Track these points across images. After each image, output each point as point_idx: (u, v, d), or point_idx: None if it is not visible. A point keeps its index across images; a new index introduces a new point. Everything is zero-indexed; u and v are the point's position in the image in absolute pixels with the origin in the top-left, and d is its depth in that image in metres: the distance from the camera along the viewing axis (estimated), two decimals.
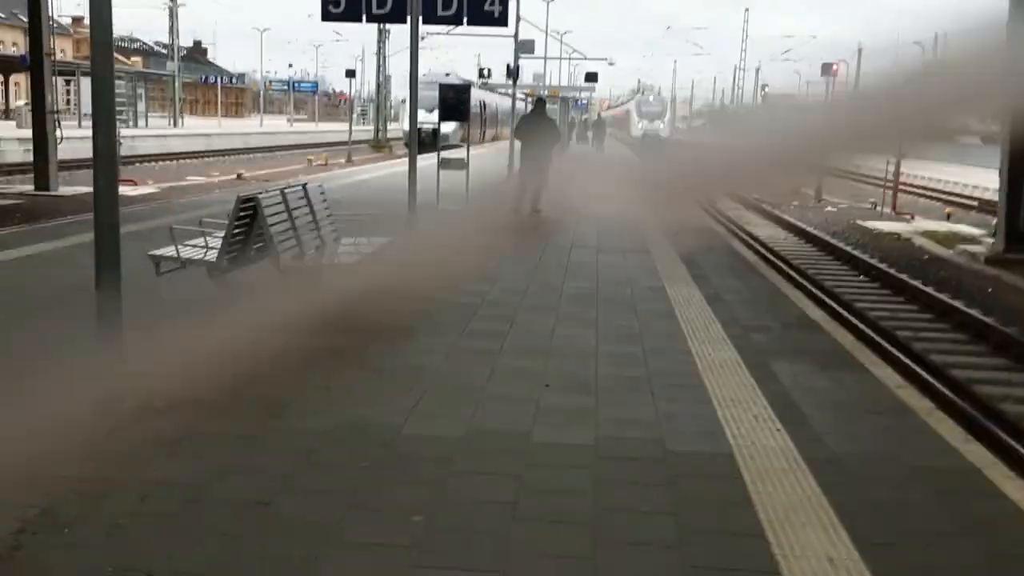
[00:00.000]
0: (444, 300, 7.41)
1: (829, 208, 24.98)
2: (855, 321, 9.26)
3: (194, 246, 6.30)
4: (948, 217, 23.05)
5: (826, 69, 28.92)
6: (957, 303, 10.88)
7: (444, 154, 15.51)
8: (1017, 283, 13.42)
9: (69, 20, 79.70)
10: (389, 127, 55.30)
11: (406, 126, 44.88)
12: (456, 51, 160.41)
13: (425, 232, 11.55)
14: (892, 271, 13.30)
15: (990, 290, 12.86)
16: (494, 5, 11.07)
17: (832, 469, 4.05)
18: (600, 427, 4.55)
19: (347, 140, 38.39)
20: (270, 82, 77.12)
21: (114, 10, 4.15)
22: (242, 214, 5.90)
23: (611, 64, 38.47)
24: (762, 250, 14.72)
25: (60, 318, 5.87)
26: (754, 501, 3.69)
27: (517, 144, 15.83)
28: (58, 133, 19.84)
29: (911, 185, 27.67)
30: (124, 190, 21.66)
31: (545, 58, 35.42)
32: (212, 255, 5.96)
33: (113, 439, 3.54)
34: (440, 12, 11.18)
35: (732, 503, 3.68)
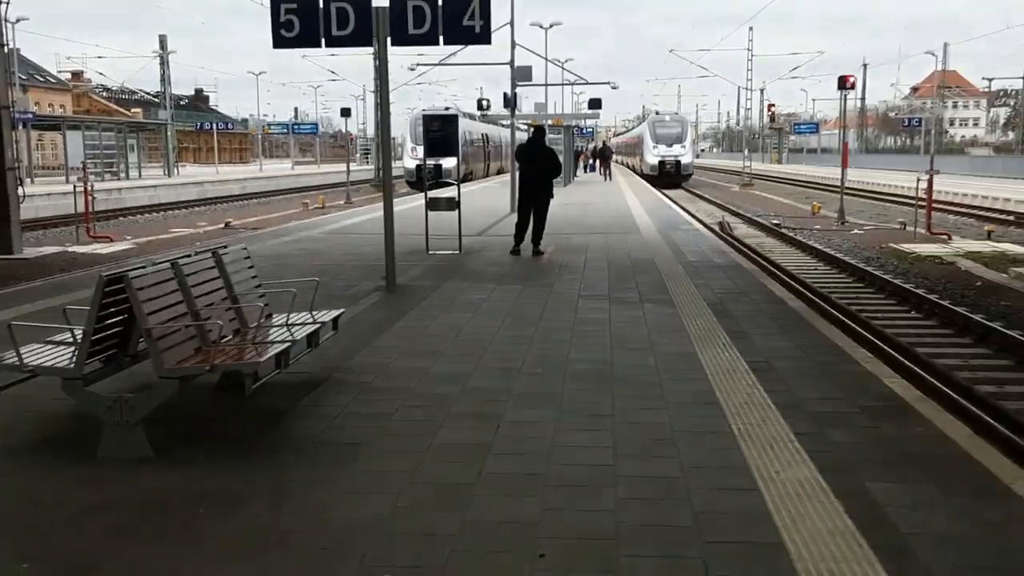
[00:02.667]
0: (408, 392, 5.67)
1: (855, 231, 23.18)
2: (951, 393, 7.42)
3: (59, 343, 4.58)
4: (989, 235, 21.21)
5: (842, 82, 27.21)
6: None
7: (433, 193, 13.82)
8: None
9: (69, 75, 78.99)
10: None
11: (409, 163, 43.90)
12: (457, 85, 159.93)
13: (398, 295, 9.67)
14: (960, 310, 11.47)
15: None
16: (474, 20, 9.42)
17: None
18: None
19: (354, 180, 36.72)
20: (268, 126, 75.86)
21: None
22: (106, 301, 4.18)
23: (614, 88, 36.66)
24: (799, 287, 12.90)
25: None
26: None
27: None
28: (20, 191, 18.29)
29: (938, 202, 25.83)
30: (97, 248, 20.35)
31: (546, 85, 33.93)
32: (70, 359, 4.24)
33: None
34: (412, 31, 9.56)
35: None
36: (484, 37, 9.60)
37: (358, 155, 71.13)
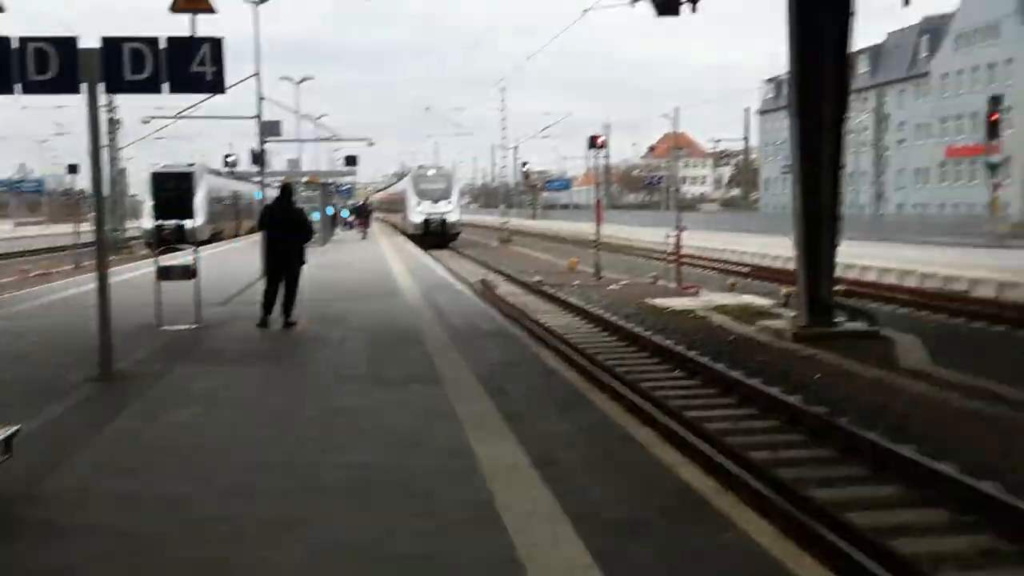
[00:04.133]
0: (107, 531, 4.38)
1: (612, 286, 23.66)
2: (750, 482, 6.96)
3: None
4: (732, 288, 22.31)
5: (592, 142, 28.09)
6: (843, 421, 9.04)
7: (165, 260, 12.22)
8: (840, 363, 12.08)
9: None
10: (128, 225, 49.92)
11: (148, 224, 40.64)
12: (204, 139, 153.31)
13: (115, 386, 7.97)
14: (719, 367, 11.50)
15: (817, 376, 11.39)
16: (204, 67, 8.24)
17: None
18: None
19: (83, 243, 33.03)
20: None
21: None
22: None
23: (371, 144, 36.04)
24: (569, 351, 12.51)
25: None
26: None
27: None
28: None
29: (684, 256, 27.07)
30: None
31: (299, 141, 32.62)
32: None
33: None
34: (129, 76, 8.24)
35: None
36: (216, 86, 8.43)
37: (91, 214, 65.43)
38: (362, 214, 49.48)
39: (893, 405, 9.65)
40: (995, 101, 32.70)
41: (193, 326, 11.72)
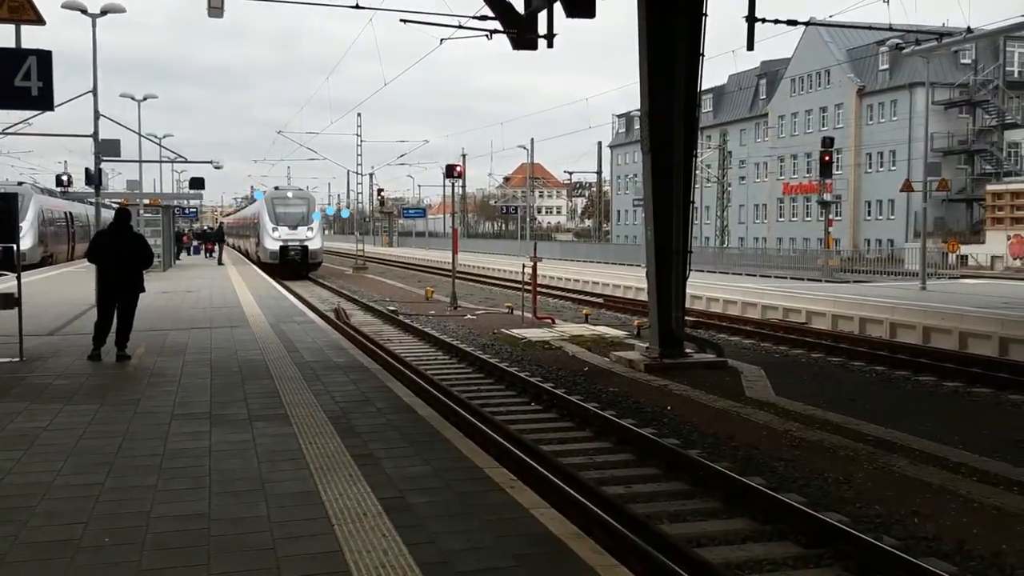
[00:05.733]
0: None
1: (468, 316, 23.55)
2: (600, 514, 6.87)
3: None
4: (587, 318, 22.60)
5: (450, 171, 28.06)
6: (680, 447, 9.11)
7: None
8: (690, 394, 12.34)
9: None
10: None
11: None
12: (35, 157, 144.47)
13: None
14: (575, 399, 11.51)
15: (668, 408, 11.57)
16: (30, 81, 7.61)
17: None
18: None
19: None
20: None
21: None
22: None
23: (218, 167, 34.68)
24: (424, 384, 12.22)
25: None
26: None
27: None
28: None
29: (540, 286, 27.33)
30: None
31: (140, 161, 31.01)
32: None
33: None
34: None
35: None
36: (44, 102, 7.81)
37: None
38: (209, 239, 47.69)
39: (740, 436, 9.88)
40: (827, 142, 34.76)
41: (15, 359, 10.79)
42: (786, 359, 16.72)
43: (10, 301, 10.86)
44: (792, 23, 18.65)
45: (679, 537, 6.43)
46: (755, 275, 36.23)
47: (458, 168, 28.26)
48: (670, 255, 14.98)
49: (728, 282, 30.57)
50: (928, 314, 18.81)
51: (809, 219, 66.29)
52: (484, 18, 16.32)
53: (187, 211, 52.87)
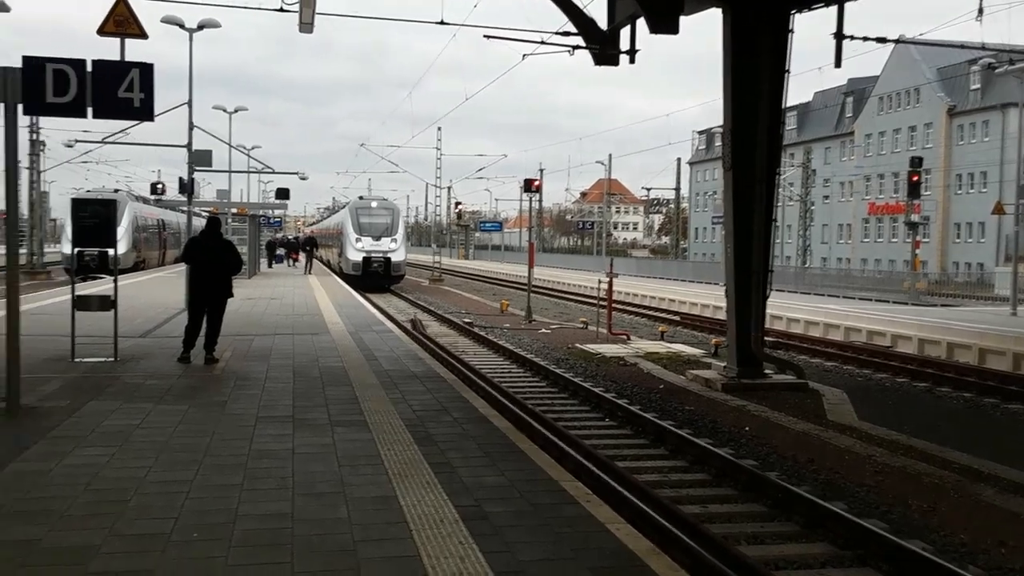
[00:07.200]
0: None
1: (543, 330, 23.59)
2: (676, 532, 6.84)
3: None
4: (662, 336, 22.43)
5: (528, 185, 28.22)
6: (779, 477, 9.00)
7: (83, 289, 11.71)
8: (769, 415, 12.14)
9: None
10: (47, 250, 48.39)
11: (67, 248, 39.34)
12: (130, 166, 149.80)
13: (21, 422, 7.75)
14: (650, 416, 11.44)
15: (746, 428, 11.41)
16: (132, 92, 7.95)
17: None
18: None
19: None
20: None
21: None
22: None
23: (304, 178, 35.47)
24: (499, 396, 12.31)
25: None
26: None
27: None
28: None
29: (615, 302, 27.24)
30: None
31: (229, 172, 32.01)
32: None
33: None
34: (51, 98, 7.90)
35: None
36: (145, 113, 8.14)
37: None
38: (294, 248, 48.88)
39: (821, 460, 9.68)
40: (916, 162, 33.87)
41: (109, 359, 11.22)
42: (869, 383, 16.32)
43: (107, 303, 11.30)
44: (881, 40, 18.28)
45: (757, 559, 6.35)
46: (837, 296, 35.43)
47: (536, 182, 28.39)
48: (750, 274, 14.78)
49: (809, 303, 29.98)
50: (1019, 340, 18.13)
51: (895, 240, 64.59)
52: (567, 34, 16.42)
53: (272, 220, 54.18)
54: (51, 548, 4.60)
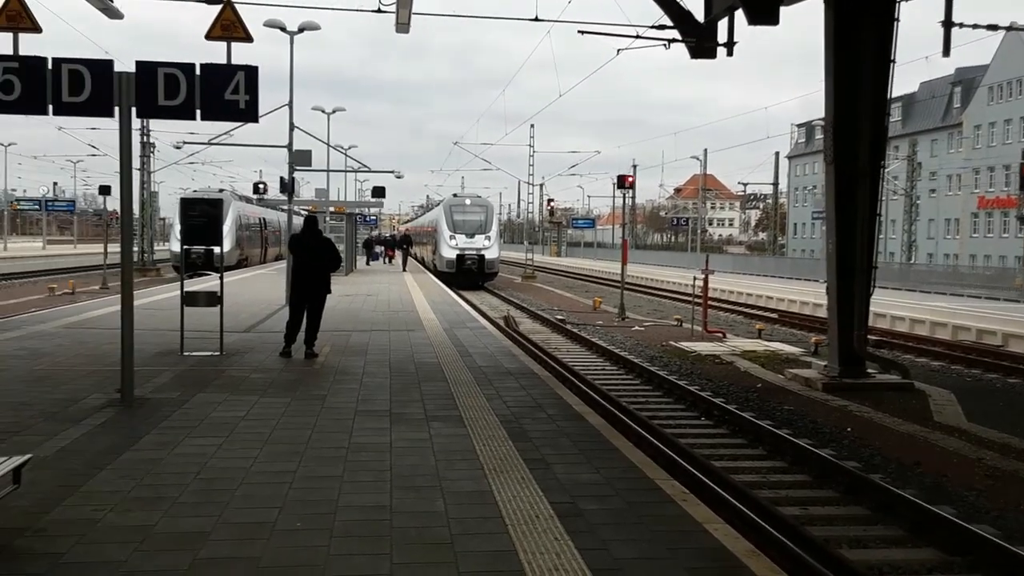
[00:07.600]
0: (114, 570, 4.21)
1: (636, 327, 23.41)
2: (776, 535, 6.71)
3: None
4: (760, 334, 21.97)
5: (621, 182, 28.00)
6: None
7: (192, 285, 12.18)
8: (872, 416, 11.77)
9: None
10: (156, 248, 50.43)
11: (176, 247, 40.96)
12: (234, 166, 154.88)
13: (134, 412, 8.02)
14: (747, 416, 11.23)
15: (848, 429, 11.09)
16: (238, 95, 8.21)
17: None
18: None
19: (110, 264, 33.23)
20: (15, 201, 68.57)
21: None
22: None
23: (399, 177, 35.99)
24: (593, 394, 12.28)
25: None
26: None
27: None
28: None
29: (711, 299, 26.81)
30: None
31: (328, 171, 32.76)
32: None
33: None
34: (163, 102, 8.22)
35: None
36: (250, 115, 8.40)
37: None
38: (391, 246, 49.70)
39: (928, 462, 9.35)
40: None
41: (216, 353, 11.63)
42: (979, 383, 15.66)
43: (213, 299, 11.72)
44: (992, 28, 17.52)
45: (860, 563, 6.17)
46: (945, 293, 34.11)
47: (629, 178, 28.15)
48: (853, 270, 14.35)
49: (915, 300, 28.94)
50: None
51: (1006, 235, 61.77)
52: (662, 27, 16.22)
53: (368, 218, 55.25)
54: (164, 533, 4.80)
